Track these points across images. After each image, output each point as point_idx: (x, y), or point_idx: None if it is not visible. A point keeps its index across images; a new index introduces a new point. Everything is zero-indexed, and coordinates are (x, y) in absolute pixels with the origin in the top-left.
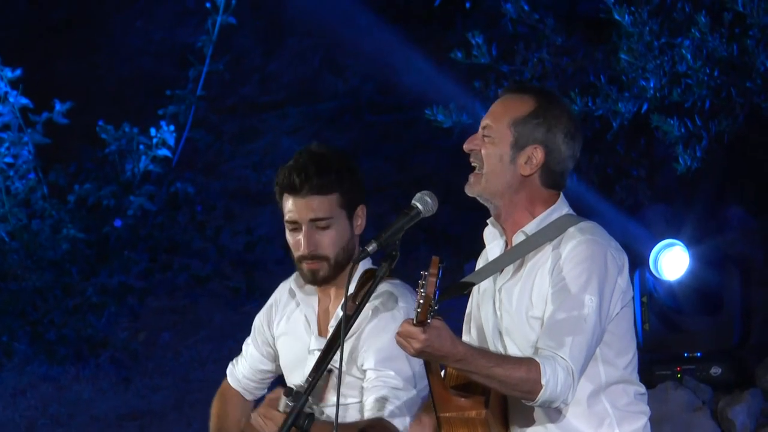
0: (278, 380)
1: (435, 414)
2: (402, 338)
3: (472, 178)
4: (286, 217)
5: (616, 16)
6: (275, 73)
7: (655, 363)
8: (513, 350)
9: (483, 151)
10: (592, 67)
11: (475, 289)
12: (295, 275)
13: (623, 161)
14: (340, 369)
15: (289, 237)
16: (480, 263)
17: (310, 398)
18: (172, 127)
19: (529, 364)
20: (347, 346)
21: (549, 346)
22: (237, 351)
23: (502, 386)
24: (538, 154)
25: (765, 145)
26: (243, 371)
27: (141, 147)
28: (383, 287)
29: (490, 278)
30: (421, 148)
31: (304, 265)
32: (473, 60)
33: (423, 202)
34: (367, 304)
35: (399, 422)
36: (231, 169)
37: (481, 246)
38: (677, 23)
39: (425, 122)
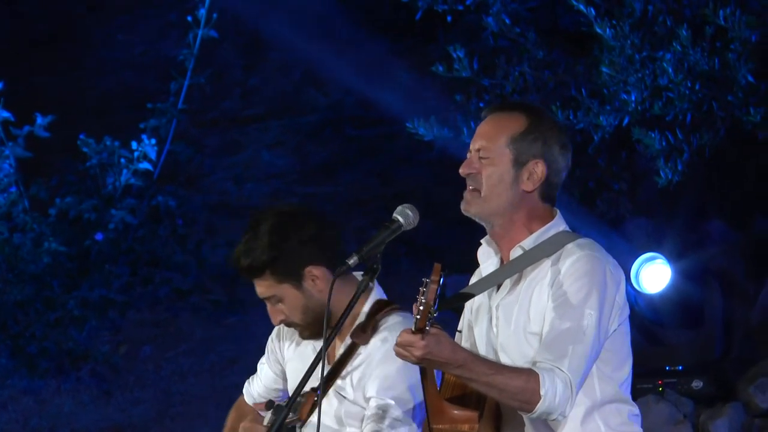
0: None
1: (428, 425)
2: (401, 347)
3: (468, 196)
4: None
5: (598, 30)
6: (256, 87)
7: (637, 376)
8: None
9: (483, 173)
10: (574, 80)
11: (467, 307)
12: None
13: (604, 174)
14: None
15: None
16: (472, 280)
17: (292, 414)
18: (153, 141)
19: (528, 374)
20: (356, 374)
21: (547, 359)
22: (218, 364)
23: (501, 394)
24: (539, 169)
25: (746, 158)
26: (258, 390)
27: (122, 160)
28: (394, 318)
29: (485, 295)
30: (403, 161)
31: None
32: (454, 73)
33: (404, 216)
34: (377, 335)
35: None
36: (212, 183)
37: (464, 259)
38: (659, 37)
39: (406, 136)
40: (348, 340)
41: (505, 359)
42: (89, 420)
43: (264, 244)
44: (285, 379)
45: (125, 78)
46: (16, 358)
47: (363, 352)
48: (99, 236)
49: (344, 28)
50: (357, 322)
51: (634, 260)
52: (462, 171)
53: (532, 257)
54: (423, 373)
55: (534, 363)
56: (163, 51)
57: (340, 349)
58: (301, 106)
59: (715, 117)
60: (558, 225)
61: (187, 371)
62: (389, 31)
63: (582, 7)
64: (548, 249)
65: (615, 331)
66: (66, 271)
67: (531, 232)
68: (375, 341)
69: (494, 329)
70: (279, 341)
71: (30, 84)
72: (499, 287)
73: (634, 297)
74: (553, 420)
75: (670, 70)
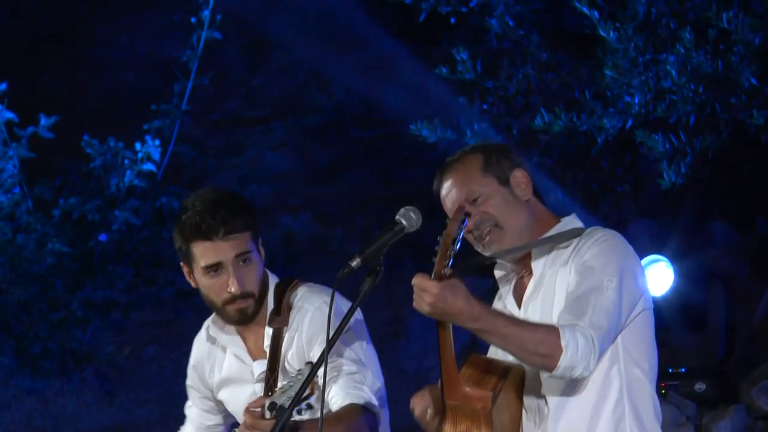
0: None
1: (441, 398)
2: (416, 292)
3: (489, 238)
4: (204, 263)
5: (601, 32)
6: (260, 88)
7: None
8: None
9: (489, 210)
10: (577, 82)
11: None
12: (207, 324)
13: (608, 177)
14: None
15: (209, 284)
16: (496, 304)
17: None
18: (157, 142)
19: (548, 328)
20: (292, 353)
21: (567, 319)
22: None
23: (520, 349)
24: (521, 175)
25: (749, 161)
26: None
27: (126, 161)
28: (302, 290)
29: (512, 302)
30: (406, 163)
31: (233, 307)
32: (458, 75)
33: (407, 218)
34: (293, 310)
35: (367, 404)
36: (216, 184)
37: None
38: (662, 39)
39: (410, 137)
40: (269, 331)
41: None
42: (93, 420)
43: (242, 205)
44: (217, 413)
45: (128, 79)
46: (20, 358)
47: (287, 332)
48: (102, 237)
49: (348, 30)
50: (268, 312)
51: None
52: (469, 226)
53: (554, 241)
54: (441, 330)
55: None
56: (166, 52)
57: (265, 342)
58: (304, 107)
59: (718, 119)
60: (574, 222)
61: None
62: (393, 32)
63: (585, 10)
64: (567, 237)
65: (640, 315)
66: (69, 272)
67: (543, 234)
68: (294, 316)
69: None
70: (198, 376)
71: (33, 85)
72: (521, 296)
73: None
74: (578, 376)
75: (674, 72)
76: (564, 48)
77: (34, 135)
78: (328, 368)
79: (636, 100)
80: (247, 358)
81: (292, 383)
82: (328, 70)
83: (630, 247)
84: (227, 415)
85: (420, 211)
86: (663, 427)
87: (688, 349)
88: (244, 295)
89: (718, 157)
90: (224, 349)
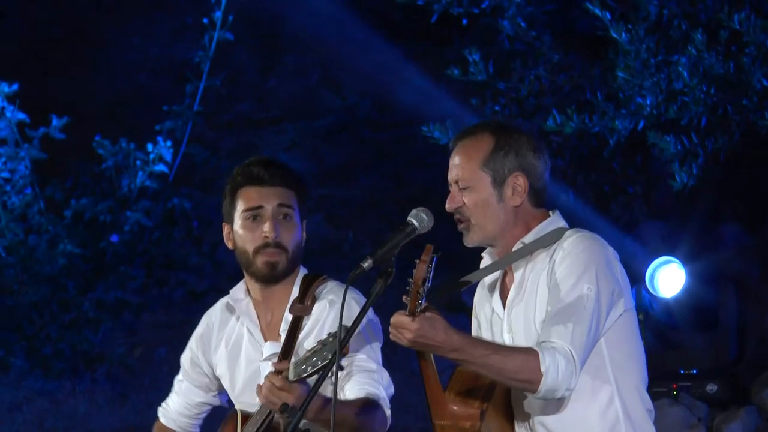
0: (214, 412)
1: (430, 418)
2: (394, 329)
3: (464, 230)
4: (246, 206)
5: (613, 34)
6: (272, 90)
7: (651, 380)
8: None
9: (467, 203)
10: (589, 84)
11: (481, 320)
12: (227, 296)
13: (619, 178)
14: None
15: (245, 232)
16: (478, 291)
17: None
18: (168, 143)
19: (527, 352)
20: (307, 345)
21: (548, 337)
22: None
23: (501, 376)
24: (521, 181)
25: (761, 162)
26: (177, 408)
27: (138, 162)
28: (331, 284)
29: (494, 308)
30: (418, 164)
31: (264, 257)
32: (470, 77)
33: (419, 219)
34: (320, 302)
35: (382, 402)
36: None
37: (479, 262)
38: (674, 41)
39: (422, 139)
40: (288, 316)
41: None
42: (104, 422)
43: (294, 172)
44: (207, 391)
45: (140, 80)
46: (32, 359)
47: (308, 321)
48: (114, 238)
49: (360, 32)
50: (291, 298)
51: (649, 264)
52: (448, 207)
53: (531, 247)
54: (422, 360)
55: (537, 343)
56: (178, 53)
57: (282, 327)
58: (316, 109)
59: (729, 121)
60: (557, 221)
61: None
62: (405, 34)
63: (597, 11)
64: (546, 241)
65: (621, 316)
66: (81, 273)
67: (529, 231)
68: (320, 307)
69: (510, 334)
70: (202, 348)
71: (45, 86)
72: (505, 298)
73: (648, 300)
74: (560, 397)
75: (685, 74)
76: (576, 49)
77: (46, 136)
78: (345, 362)
79: (648, 102)
80: (259, 335)
81: (316, 351)
82: (340, 72)
83: (606, 250)
84: (216, 395)
85: (431, 213)
86: (675, 428)
87: (700, 351)
88: (277, 245)
89: (730, 158)
90: (238, 320)
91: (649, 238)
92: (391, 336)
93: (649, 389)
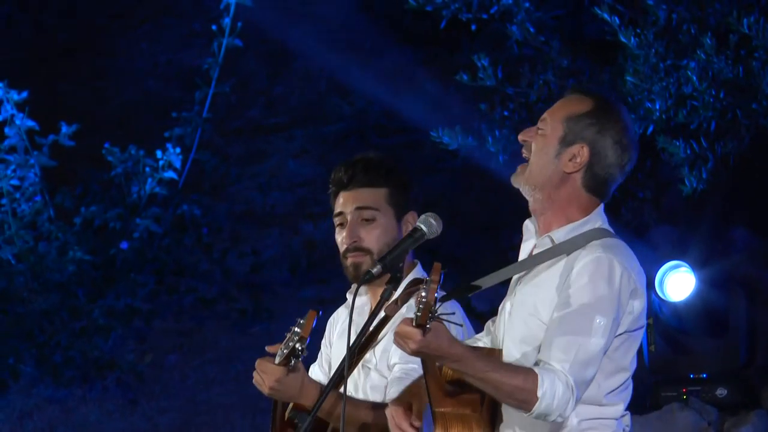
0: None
1: (429, 406)
2: (400, 338)
3: (519, 168)
4: (334, 212)
5: (622, 38)
6: (281, 96)
7: (661, 384)
8: (506, 344)
9: (533, 143)
10: (598, 89)
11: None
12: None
13: (629, 183)
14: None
15: (337, 236)
16: (520, 256)
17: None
18: (178, 150)
19: (526, 373)
20: (381, 345)
21: (549, 359)
22: (243, 373)
23: (497, 392)
24: (583, 153)
25: None
26: None
27: (147, 169)
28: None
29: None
30: (427, 170)
31: (348, 260)
32: (479, 82)
33: (427, 224)
34: (404, 306)
35: None
36: (237, 191)
37: (488, 268)
38: (683, 45)
39: (431, 144)
40: (382, 314)
41: (506, 339)
42: (115, 429)
43: (387, 167)
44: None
45: (149, 87)
46: (42, 367)
47: (390, 324)
48: (124, 245)
49: (369, 37)
50: (394, 297)
51: (659, 268)
52: (519, 137)
53: (555, 253)
54: (423, 360)
55: (536, 362)
56: (187, 60)
57: (374, 323)
58: (325, 115)
59: (739, 125)
60: (595, 221)
61: (212, 380)
62: (414, 40)
63: (606, 16)
64: (576, 244)
65: (618, 337)
66: (91, 280)
67: (568, 221)
68: (402, 311)
69: (509, 314)
70: (329, 330)
71: (54, 93)
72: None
73: (658, 305)
74: (552, 421)
75: (695, 78)
76: (585, 54)
77: (56, 143)
78: (396, 369)
79: (657, 106)
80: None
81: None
82: (349, 77)
83: (627, 271)
84: None
85: (440, 218)
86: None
87: (710, 355)
88: (356, 248)
89: (740, 162)
90: (347, 307)
91: (659, 243)
92: (394, 343)
93: (659, 394)
